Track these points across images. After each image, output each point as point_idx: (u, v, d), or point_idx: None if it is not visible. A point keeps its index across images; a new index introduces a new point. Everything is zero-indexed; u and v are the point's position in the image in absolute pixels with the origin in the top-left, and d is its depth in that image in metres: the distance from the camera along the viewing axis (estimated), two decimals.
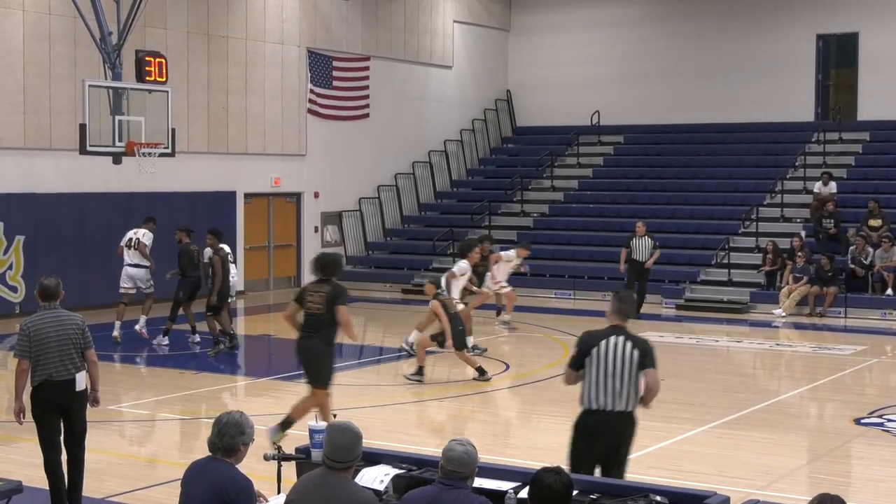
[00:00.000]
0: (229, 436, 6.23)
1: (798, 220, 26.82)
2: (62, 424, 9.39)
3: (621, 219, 28.99)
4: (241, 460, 6.35)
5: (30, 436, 9.96)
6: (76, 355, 9.28)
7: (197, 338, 19.27)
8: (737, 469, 11.32)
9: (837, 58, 31.74)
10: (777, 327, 22.74)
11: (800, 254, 24.12)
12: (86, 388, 9.39)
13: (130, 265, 19.30)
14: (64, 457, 9.46)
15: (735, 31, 31.78)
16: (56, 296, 9.38)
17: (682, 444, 12.44)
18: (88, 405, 9.60)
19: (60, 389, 9.22)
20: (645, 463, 11.44)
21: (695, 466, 11.38)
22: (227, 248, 18.86)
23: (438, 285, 16.65)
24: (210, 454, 6.33)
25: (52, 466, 9.36)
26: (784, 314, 23.37)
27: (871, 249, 24.15)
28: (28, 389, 9.33)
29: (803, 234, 25.60)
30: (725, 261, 25.89)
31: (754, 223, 26.89)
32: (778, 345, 21.13)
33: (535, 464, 5.61)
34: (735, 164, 30.13)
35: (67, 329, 9.28)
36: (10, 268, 22.17)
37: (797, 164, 29.04)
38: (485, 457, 11.04)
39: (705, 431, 13.04)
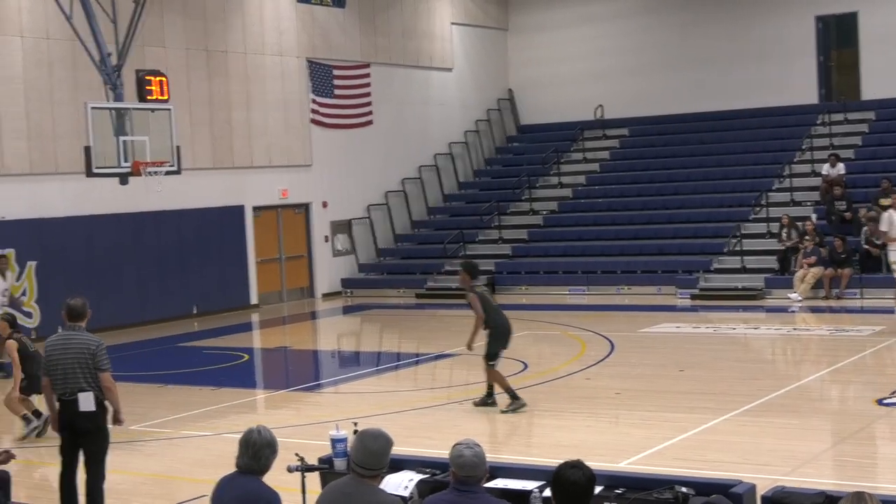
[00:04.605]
0: (265, 457, 6.26)
1: (808, 204, 26.73)
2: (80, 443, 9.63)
3: (631, 212, 28.96)
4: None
5: (53, 460, 9.99)
6: (81, 377, 9.39)
7: None
8: (761, 456, 11.26)
9: (838, 38, 31.60)
10: (794, 312, 22.66)
11: (808, 237, 24.05)
12: (95, 410, 9.44)
13: None
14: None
15: (734, 17, 31.69)
16: (81, 316, 9.57)
17: (705, 433, 12.38)
18: (111, 424, 9.66)
19: (67, 408, 9.48)
20: (669, 454, 11.41)
21: (719, 456, 11.32)
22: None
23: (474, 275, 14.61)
24: (237, 471, 6.33)
25: (62, 480, 9.68)
26: (800, 298, 23.29)
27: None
28: None
29: (814, 217, 25.51)
30: (738, 248, 25.81)
31: (764, 209, 26.80)
32: (795, 329, 21.07)
33: (559, 462, 5.56)
34: (742, 151, 30.03)
35: (74, 351, 9.42)
36: (23, 293, 22.17)
37: (804, 147, 28.95)
38: (507, 457, 11.02)
39: (728, 420, 12.97)
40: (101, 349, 9.44)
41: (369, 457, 5.87)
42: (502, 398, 14.15)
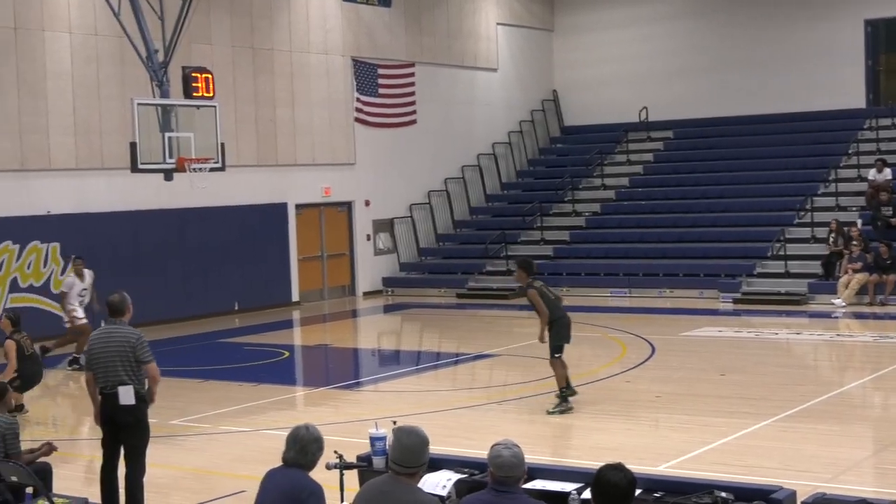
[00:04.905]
0: (312, 452, 6.38)
1: (854, 209, 26.50)
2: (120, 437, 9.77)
3: (674, 214, 28.82)
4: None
5: (95, 453, 10.09)
6: (122, 370, 9.54)
7: None
8: (802, 462, 11.17)
9: (887, 43, 31.33)
10: (837, 318, 22.47)
11: (854, 242, 23.85)
12: (135, 404, 9.56)
13: None
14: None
15: (782, 19, 31.46)
16: (121, 311, 9.76)
17: (746, 438, 12.30)
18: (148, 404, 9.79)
19: (108, 401, 9.63)
20: (709, 459, 11.35)
21: (759, 461, 11.25)
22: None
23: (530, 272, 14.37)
24: (282, 465, 6.40)
25: (103, 473, 9.80)
26: (844, 304, 23.09)
27: None
28: None
29: (860, 222, 25.30)
30: (782, 252, 25.63)
31: (809, 213, 26.59)
32: (838, 335, 20.88)
33: (598, 464, 5.54)
34: (787, 155, 29.79)
35: (115, 345, 9.58)
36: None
37: (850, 151, 28.70)
38: (546, 458, 10.99)
39: (768, 425, 12.88)
40: (141, 342, 9.57)
41: (405, 453, 5.88)
42: (551, 398, 14.14)
